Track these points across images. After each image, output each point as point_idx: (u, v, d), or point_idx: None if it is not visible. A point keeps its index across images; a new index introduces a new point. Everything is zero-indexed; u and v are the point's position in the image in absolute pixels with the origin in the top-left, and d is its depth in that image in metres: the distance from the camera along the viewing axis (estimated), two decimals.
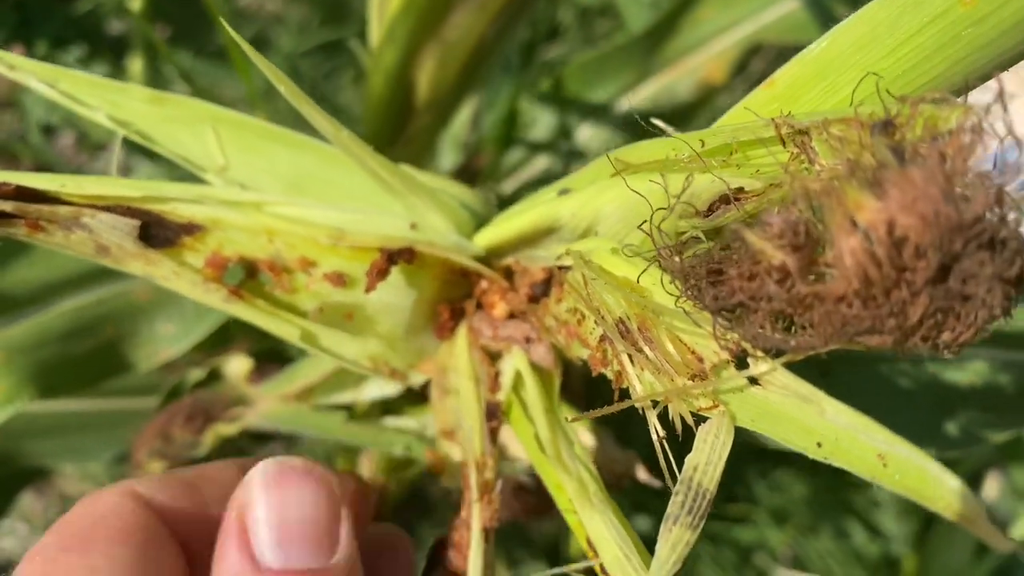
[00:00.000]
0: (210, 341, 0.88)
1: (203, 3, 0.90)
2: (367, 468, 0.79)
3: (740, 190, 0.33)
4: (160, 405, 0.77)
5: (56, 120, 1.75)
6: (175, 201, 0.46)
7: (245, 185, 0.51)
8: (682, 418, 0.34)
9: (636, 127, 0.39)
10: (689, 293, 0.31)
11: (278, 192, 0.51)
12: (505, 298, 0.50)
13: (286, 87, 0.42)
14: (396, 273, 0.49)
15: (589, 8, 1.84)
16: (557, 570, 0.39)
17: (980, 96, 0.28)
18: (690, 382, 0.33)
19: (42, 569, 0.37)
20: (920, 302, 0.24)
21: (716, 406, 0.33)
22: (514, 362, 0.49)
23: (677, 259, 0.30)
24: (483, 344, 0.51)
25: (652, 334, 0.35)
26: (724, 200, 0.33)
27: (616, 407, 0.35)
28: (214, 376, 0.77)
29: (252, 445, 1.63)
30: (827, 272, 0.25)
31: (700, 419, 0.33)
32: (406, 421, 0.70)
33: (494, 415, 0.48)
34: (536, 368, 0.48)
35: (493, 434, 0.47)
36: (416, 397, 0.71)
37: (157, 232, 0.46)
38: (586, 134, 1.21)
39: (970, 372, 0.68)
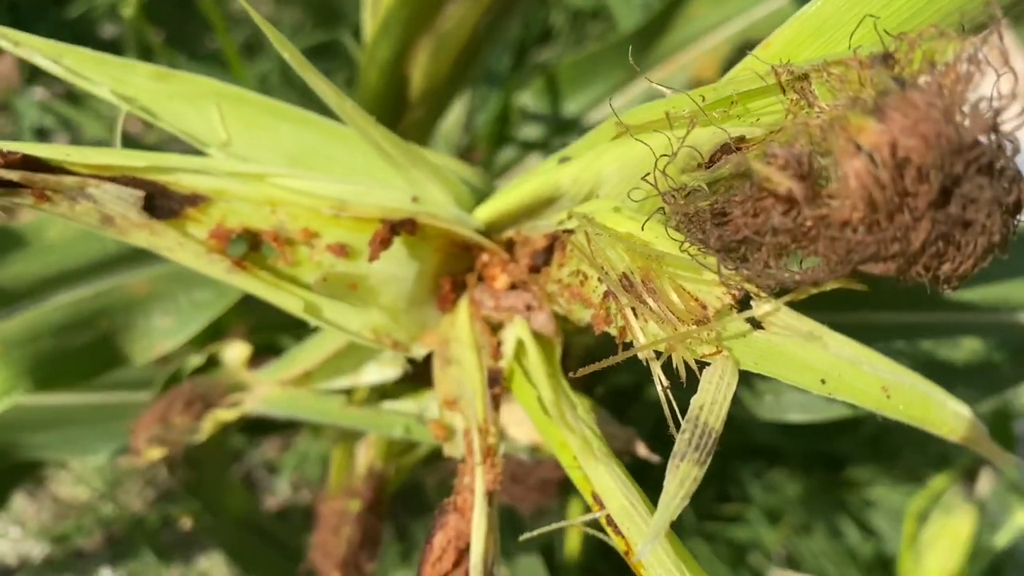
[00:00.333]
0: (205, 338, 0.89)
1: (196, 7, 0.91)
2: (365, 455, 0.79)
3: (741, 139, 0.33)
4: (159, 392, 0.77)
5: (49, 123, 1.75)
6: (179, 172, 0.46)
7: (247, 160, 0.51)
8: (687, 366, 0.34)
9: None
10: (694, 235, 0.31)
11: (281, 166, 0.51)
12: (506, 269, 0.51)
13: (292, 56, 0.42)
14: (398, 245, 0.50)
15: (581, 11, 1.86)
16: (566, 523, 0.40)
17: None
18: (693, 328, 0.33)
19: None
20: (922, 226, 0.25)
21: (719, 351, 0.33)
22: (515, 331, 0.49)
23: (682, 201, 0.31)
24: (485, 315, 0.51)
25: (656, 285, 0.35)
26: (725, 150, 0.34)
27: (620, 356, 0.35)
28: (212, 363, 0.77)
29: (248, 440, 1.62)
30: (830, 204, 0.26)
31: (703, 366, 0.34)
32: (404, 404, 0.70)
33: (496, 382, 0.48)
34: (537, 336, 0.49)
35: (496, 400, 0.48)
36: (413, 382, 0.72)
37: (161, 203, 0.46)
38: (578, 133, 1.22)
39: (965, 351, 0.69)
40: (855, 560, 1.74)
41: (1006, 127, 0.25)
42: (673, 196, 0.31)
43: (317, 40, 1.71)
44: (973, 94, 0.25)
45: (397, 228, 0.48)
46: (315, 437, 1.67)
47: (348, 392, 0.72)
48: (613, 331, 0.40)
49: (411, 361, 0.64)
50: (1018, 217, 0.26)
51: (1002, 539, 1.66)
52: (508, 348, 0.50)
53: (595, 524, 0.41)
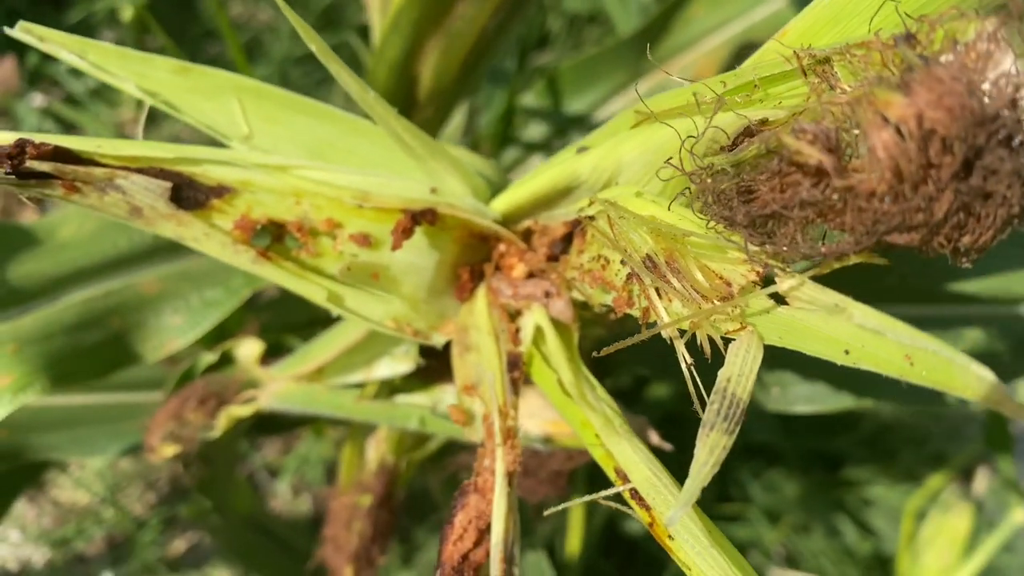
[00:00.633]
0: (214, 338, 0.89)
1: (195, 12, 0.92)
2: (376, 449, 0.80)
3: (764, 121, 0.34)
4: (172, 389, 0.78)
5: (49, 128, 1.75)
6: (206, 163, 0.47)
7: (269, 152, 0.52)
8: (711, 343, 0.35)
9: None
10: (719, 214, 0.32)
11: (301, 159, 0.52)
12: (523, 259, 0.52)
13: (317, 46, 0.43)
14: (419, 235, 0.51)
15: (578, 15, 1.87)
16: (588, 497, 0.41)
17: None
18: (718, 305, 0.35)
19: None
20: (946, 197, 0.26)
21: (744, 327, 0.34)
22: (534, 317, 0.50)
23: (709, 180, 0.32)
24: (503, 303, 0.52)
25: (680, 264, 0.36)
26: (748, 133, 0.35)
27: (645, 334, 0.36)
28: (225, 360, 0.78)
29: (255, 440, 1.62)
30: (858, 176, 0.27)
31: (728, 341, 0.35)
32: (417, 398, 0.71)
33: (516, 366, 0.49)
34: (555, 322, 0.50)
35: (515, 384, 0.49)
36: (424, 377, 0.73)
37: (188, 194, 0.47)
38: (579, 134, 1.23)
39: (967, 342, 0.70)
40: (853, 559, 1.76)
41: None
42: (701, 175, 0.32)
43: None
44: (994, 71, 0.26)
45: (418, 218, 0.49)
46: (316, 440, 1.67)
47: (360, 387, 0.73)
48: (636, 313, 0.41)
49: (424, 354, 0.65)
50: None
51: (999, 536, 1.67)
52: (526, 334, 0.51)
53: (617, 505, 0.42)
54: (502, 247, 0.54)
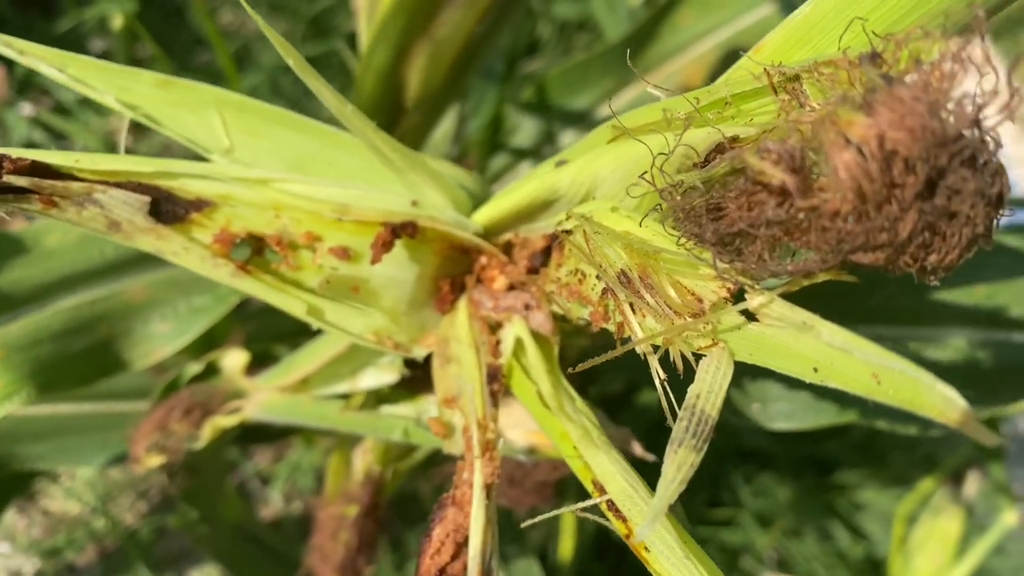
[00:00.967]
0: (201, 346, 0.89)
1: (184, 21, 0.92)
2: (363, 459, 0.80)
3: (735, 139, 0.34)
4: (157, 399, 0.78)
5: (38, 137, 1.75)
6: (185, 177, 0.47)
7: (250, 166, 0.52)
8: (683, 358, 0.35)
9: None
10: (690, 230, 0.32)
11: (282, 172, 0.53)
12: (504, 271, 0.52)
13: (295, 61, 0.43)
14: (399, 248, 0.51)
15: (567, 21, 1.87)
16: (564, 509, 0.41)
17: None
18: (690, 321, 0.35)
19: None
20: (910, 217, 0.26)
21: (715, 344, 0.34)
22: (514, 330, 0.50)
23: (679, 197, 0.32)
24: (483, 315, 0.52)
25: (653, 280, 0.36)
26: (720, 150, 0.35)
27: (620, 350, 0.36)
28: (211, 370, 0.78)
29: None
30: (822, 196, 0.27)
31: (700, 358, 0.35)
32: (402, 409, 0.71)
33: (495, 378, 0.49)
34: (536, 335, 0.50)
35: (494, 397, 0.49)
36: (409, 387, 0.73)
37: (167, 208, 0.47)
38: (568, 139, 1.24)
39: (950, 350, 0.70)
40: (845, 562, 1.76)
41: (988, 123, 0.27)
42: (671, 192, 0.33)
43: (309, 52, 1.72)
44: (957, 91, 0.27)
45: (398, 231, 0.49)
46: (307, 448, 1.67)
47: (345, 398, 0.73)
48: (611, 327, 0.41)
49: (408, 365, 0.65)
50: (1001, 209, 0.28)
51: (990, 539, 1.67)
52: (507, 346, 0.51)
53: (596, 517, 0.42)
54: (483, 259, 0.54)
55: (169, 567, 1.71)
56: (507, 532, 1.29)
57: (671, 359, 0.36)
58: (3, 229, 0.88)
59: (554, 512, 0.43)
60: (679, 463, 0.31)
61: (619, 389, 1.54)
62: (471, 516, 0.45)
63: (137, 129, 0.51)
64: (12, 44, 0.49)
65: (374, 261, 0.48)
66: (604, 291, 0.41)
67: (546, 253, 0.49)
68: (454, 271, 0.55)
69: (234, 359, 0.77)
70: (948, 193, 0.26)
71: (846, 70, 0.29)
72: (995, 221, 0.28)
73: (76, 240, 0.87)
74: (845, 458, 1.84)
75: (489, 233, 0.53)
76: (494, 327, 0.53)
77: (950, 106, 0.26)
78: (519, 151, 1.25)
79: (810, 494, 1.79)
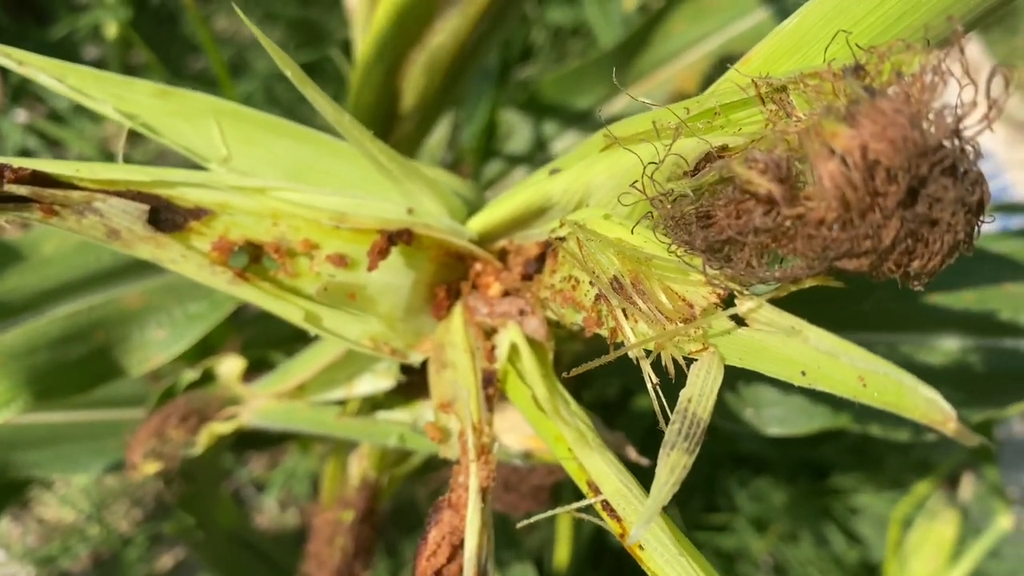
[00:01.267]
0: (198, 352, 0.90)
1: (178, 28, 0.92)
2: (358, 465, 0.80)
3: (724, 148, 0.35)
4: (154, 406, 0.78)
5: (33, 144, 1.75)
6: (183, 186, 0.48)
7: (247, 174, 0.53)
8: (675, 363, 0.36)
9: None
10: (680, 238, 0.33)
11: (279, 180, 0.53)
12: (499, 278, 0.53)
13: (292, 72, 0.44)
14: (395, 255, 0.51)
15: (561, 27, 1.88)
16: (560, 510, 0.41)
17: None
18: (681, 326, 0.35)
19: None
20: (892, 224, 0.27)
21: (706, 348, 0.35)
22: (509, 335, 0.51)
23: (669, 205, 0.33)
24: (479, 321, 0.53)
25: (645, 286, 0.37)
26: (709, 159, 0.36)
27: (612, 355, 0.37)
28: (207, 377, 0.78)
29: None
30: (807, 204, 0.28)
31: (691, 363, 0.36)
32: (398, 414, 0.72)
33: (490, 382, 0.50)
34: (530, 340, 0.51)
35: (490, 401, 0.50)
36: (405, 393, 0.73)
37: (166, 216, 0.48)
38: (562, 146, 1.25)
39: (940, 354, 0.71)
40: (841, 567, 1.76)
41: (969, 132, 0.28)
42: (661, 200, 0.33)
43: (303, 59, 1.73)
44: (938, 102, 0.27)
45: (394, 238, 0.50)
46: (303, 454, 1.67)
47: (341, 403, 0.73)
48: (604, 332, 0.41)
49: (404, 371, 0.66)
50: (982, 216, 0.29)
51: (985, 543, 1.68)
52: (502, 351, 0.52)
53: (591, 518, 0.43)
54: (478, 266, 0.54)
55: (163, 575, 1.71)
56: (503, 537, 1.29)
57: (663, 363, 0.37)
58: (0, 237, 0.89)
59: (550, 512, 0.43)
60: (672, 465, 0.32)
61: (614, 393, 1.55)
62: (467, 519, 0.46)
63: (132, 136, 0.51)
64: (11, 55, 0.50)
65: (371, 268, 0.48)
66: (597, 297, 0.42)
67: (540, 260, 0.50)
68: (450, 277, 0.55)
69: (230, 366, 0.77)
70: (929, 201, 0.27)
71: (831, 82, 0.30)
72: (976, 228, 0.29)
73: (73, 247, 0.88)
74: (840, 462, 1.84)
75: (484, 240, 0.54)
76: (489, 332, 0.53)
77: (931, 117, 0.27)
78: (513, 157, 1.26)
79: (805, 498, 1.80)
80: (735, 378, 0.78)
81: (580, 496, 0.44)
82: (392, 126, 0.91)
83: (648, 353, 0.37)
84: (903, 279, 0.30)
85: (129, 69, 1.63)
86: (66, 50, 1.84)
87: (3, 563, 1.69)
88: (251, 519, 1.77)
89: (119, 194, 0.47)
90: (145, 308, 0.88)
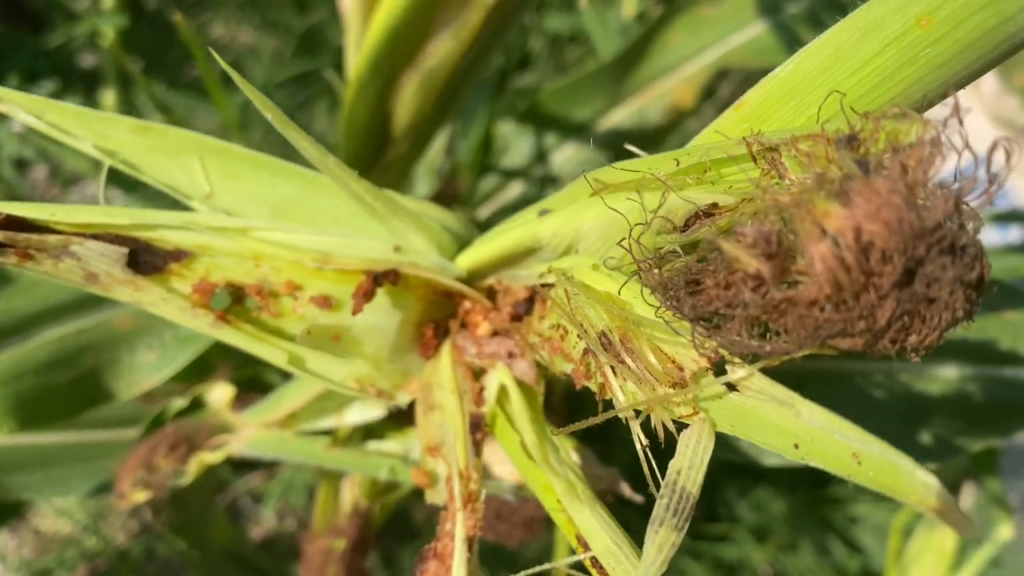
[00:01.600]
0: (190, 371, 0.89)
1: (175, 36, 0.91)
2: (350, 492, 0.79)
3: (714, 205, 0.34)
4: (143, 435, 0.77)
5: (29, 153, 1.74)
6: (163, 228, 0.47)
7: (230, 212, 0.52)
8: (664, 426, 0.35)
9: (610, 150, 0.41)
10: (669, 303, 0.32)
11: (263, 218, 0.52)
12: (488, 317, 0.52)
13: (273, 114, 0.43)
14: (381, 295, 0.50)
15: (559, 35, 1.87)
16: (547, 565, 0.40)
17: (940, 111, 0.30)
18: (671, 391, 0.34)
19: None
20: (888, 305, 0.26)
21: (696, 413, 0.34)
22: (498, 377, 0.50)
23: (656, 271, 0.32)
24: (467, 361, 0.52)
25: (633, 345, 0.36)
26: (699, 215, 0.35)
27: (601, 417, 0.36)
28: (196, 404, 0.77)
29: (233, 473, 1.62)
30: (799, 279, 0.27)
31: (682, 426, 0.35)
32: (389, 445, 0.71)
33: (478, 427, 0.49)
34: (520, 382, 0.49)
35: (477, 446, 0.48)
36: (398, 420, 0.72)
37: (145, 259, 0.47)
38: (559, 159, 1.23)
39: (940, 383, 0.70)
40: None
41: (968, 208, 0.26)
42: (648, 265, 0.32)
43: (300, 69, 1.72)
44: (936, 176, 0.26)
45: (380, 279, 0.48)
46: (300, 466, 1.67)
47: (332, 431, 0.72)
48: (593, 387, 0.40)
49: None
50: (981, 291, 0.27)
51: (986, 552, 1.67)
52: (490, 393, 0.51)
53: (580, 566, 0.42)
54: (467, 304, 0.53)
55: None
56: (499, 556, 1.28)
57: (652, 426, 0.35)
58: None
59: (539, 568, 0.42)
60: (660, 543, 0.30)
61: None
62: (452, 570, 0.45)
63: None
64: None
65: (355, 312, 0.47)
66: (585, 350, 0.41)
67: (529, 302, 0.49)
68: (438, 316, 0.54)
69: (219, 393, 0.76)
70: (927, 280, 0.26)
71: (824, 146, 0.29)
72: (976, 303, 0.28)
73: None
74: None
75: (473, 277, 0.53)
76: (478, 373, 0.52)
77: (928, 193, 0.26)
78: (510, 171, 1.25)
79: (805, 508, 1.79)
80: None
81: None
82: (386, 145, 0.90)
83: (638, 412, 0.36)
84: (899, 353, 0.28)
85: (125, 76, 1.61)
86: (62, 58, 1.83)
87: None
88: (248, 530, 1.76)
89: (97, 237, 0.46)
90: (135, 330, 0.87)
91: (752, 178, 0.33)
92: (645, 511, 0.47)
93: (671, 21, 1.14)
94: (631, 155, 0.40)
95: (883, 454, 0.28)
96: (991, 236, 1.89)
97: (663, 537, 0.31)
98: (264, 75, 1.77)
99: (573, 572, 0.42)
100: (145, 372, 0.87)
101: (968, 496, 1.83)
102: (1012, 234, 1.88)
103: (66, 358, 0.83)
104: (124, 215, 0.46)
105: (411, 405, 0.62)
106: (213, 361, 1.08)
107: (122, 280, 0.46)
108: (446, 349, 0.53)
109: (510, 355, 0.50)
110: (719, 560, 1.74)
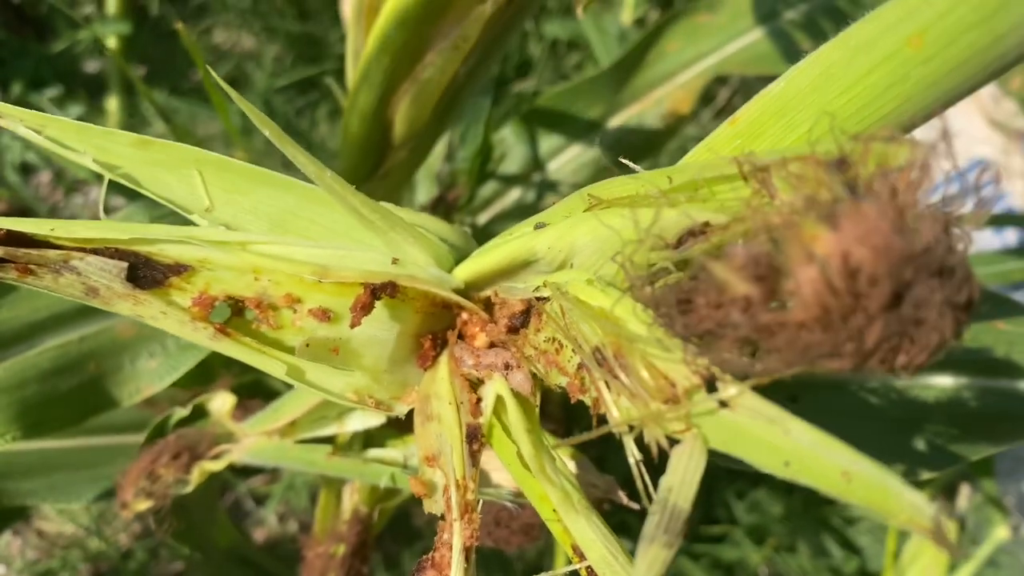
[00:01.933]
0: (193, 376, 0.89)
1: (178, 41, 0.91)
2: (350, 498, 0.80)
3: (706, 224, 0.34)
4: (145, 444, 0.77)
5: (33, 158, 1.75)
6: (162, 242, 0.47)
7: (230, 225, 0.52)
8: (657, 441, 0.35)
9: (610, 154, 0.41)
10: (661, 321, 0.32)
11: (262, 231, 0.52)
12: (485, 329, 0.52)
13: (270, 130, 0.43)
14: (379, 308, 0.50)
15: (558, 40, 1.87)
16: (546, 575, 0.41)
17: (933, 129, 0.30)
18: (664, 407, 0.35)
19: None
20: (876, 327, 0.26)
21: (689, 429, 0.34)
22: (495, 387, 0.50)
23: (648, 289, 0.32)
24: (465, 372, 0.52)
25: (627, 361, 0.36)
26: (692, 233, 0.35)
27: (594, 433, 0.36)
28: (198, 413, 0.78)
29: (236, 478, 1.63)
30: (789, 301, 0.27)
31: (675, 442, 0.35)
32: (389, 452, 0.71)
33: (475, 437, 0.49)
34: (516, 393, 0.50)
35: (474, 456, 0.49)
36: (398, 428, 0.73)
37: (145, 273, 0.47)
38: (558, 165, 1.24)
39: (935, 392, 0.70)
40: None
41: (957, 231, 0.27)
42: (640, 282, 0.32)
43: (302, 75, 1.72)
44: (924, 200, 0.27)
45: (378, 292, 0.49)
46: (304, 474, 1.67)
47: (333, 438, 0.73)
48: (587, 401, 0.41)
49: None
50: (971, 313, 0.28)
51: (983, 553, 1.68)
52: (487, 404, 0.51)
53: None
54: (465, 315, 0.54)
55: None
56: (498, 562, 1.29)
57: (646, 442, 0.36)
58: None
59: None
60: (651, 561, 0.31)
61: None
62: None
63: None
64: None
65: (353, 325, 0.48)
66: (580, 365, 0.41)
67: (525, 315, 0.49)
68: (436, 327, 0.54)
69: (221, 402, 0.77)
70: (915, 303, 0.26)
71: (813, 168, 0.29)
72: (965, 325, 0.28)
73: None
74: None
75: (470, 288, 0.53)
76: (475, 384, 0.52)
77: (917, 217, 0.26)
78: (509, 177, 1.25)
79: (803, 509, 1.80)
80: None
81: None
82: (386, 153, 0.91)
83: (631, 428, 0.37)
84: (888, 372, 0.29)
85: (128, 82, 1.62)
86: (66, 63, 1.84)
87: None
88: (250, 532, 1.77)
89: (97, 252, 0.46)
90: (137, 338, 0.87)
91: (743, 197, 0.34)
92: (644, 514, 0.48)
93: (668, 28, 1.14)
94: (628, 164, 0.41)
95: (872, 473, 0.28)
96: (987, 239, 1.89)
97: (654, 554, 0.31)
98: (266, 81, 1.78)
99: None
100: (148, 379, 0.87)
101: (964, 497, 1.83)
102: (1009, 237, 1.89)
103: (69, 365, 0.84)
104: (124, 230, 0.46)
105: (411, 413, 0.63)
106: (216, 366, 1.09)
107: (122, 294, 0.47)
108: (444, 360, 0.53)
109: (507, 367, 0.50)
110: (717, 561, 1.74)
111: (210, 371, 1.09)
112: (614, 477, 0.63)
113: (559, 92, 1.19)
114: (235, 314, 0.50)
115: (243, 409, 0.81)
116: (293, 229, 0.53)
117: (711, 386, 0.34)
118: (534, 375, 0.50)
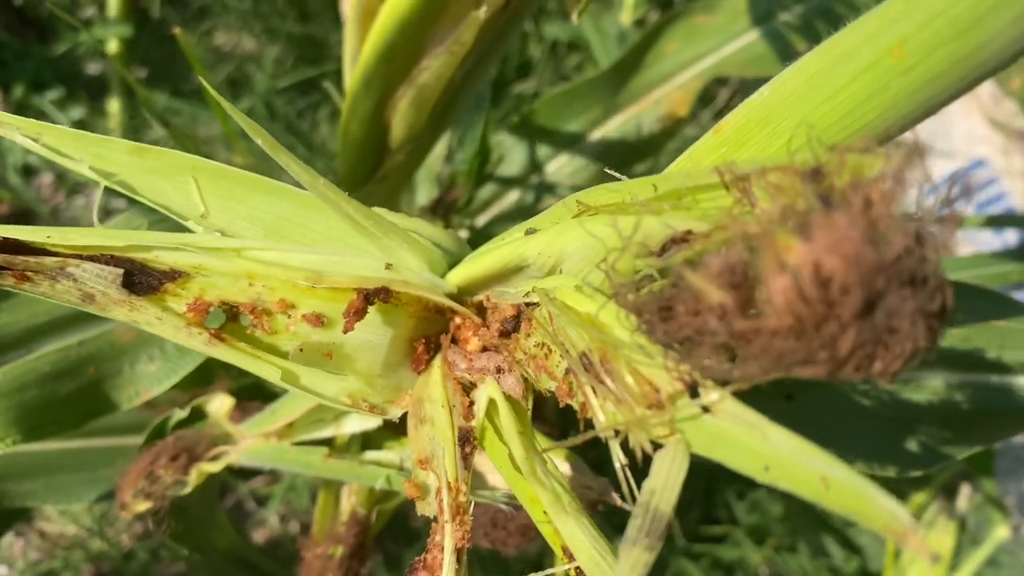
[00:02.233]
0: (192, 379, 0.90)
1: (179, 44, 0.92)
2: (349, 500, 0.80)
3: (689, 232, 0.35)
4: (143, 445, 0.78)
5: (35, 160, 1.76)
6: (158, 249, 0.48)
7: (225, 231, 0.53)
8: (642, 446, 0.36)
9: (606, 159, 0.42)
10: (643, 327, 0.33)
11: (257, 237, 0.53)
12: (478, 333, 0.53)
13: (264, 140, 0.44)
14: (373, 312, 0.51)
15: (558, 42, 1.88)
16: (539, 575, 0.41)
17: (925, 133, 0.31)
18: (648, 412, 0.35)
19: None
20: (848, 336, 0.27)
21: (672, 434, 0.35)
22: (487, 391, 0.51)
23: (631, 296, 0.33)
24: (457, 376, 0.53)
25: (613, 367, 0.37)
26: (675, 241, 0.36)
27: (581, 438, 0.37)
28: (197, 415, 0.78)
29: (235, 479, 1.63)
30: (762, 311, 0.28)
31: (659, 446, 0.36)
32: (386, 454, 0.72)
33: (467, 440, 0.50)
34: (508, 397, 0.50)
35: (467, 459, 0.49)
36: (396, 430, 0.73)
37: (141, 279, 0.48)
38: (556, 167, 1.24)
39: (927, 390, 0.71)
40: None
41: (930, 241, 0.27)
42: (623, 290, 0.33)
43: (302, 77, 1.73)
44: (896, 211, 0.27)
45: (371, 297, 0.49)
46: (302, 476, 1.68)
47: (330, 440, 0.73)
48: (575, 405, 0.41)
49: None
50: (944, 321, 0.28)
51: (983, 552, 1.68)
52: (480, 407, 0.52)
53: None
54: (458, 320, 0.54)
55: None
56: (495, 562, 1.29)
57: (631, 445, 0.36)
58: None
59: None
60: (633, 563, 0.31)
61: None
62: None
63: None
64: None
65: (346, 331, 0.48)
66: (567, 370, 0.42)
67: (516, 319, 0.50)
68: (429, 331, 0.55)
69: (219, 404, 0.77)
70: (888, 312, 0.27)
71: (790, 178, 0.30)
72: (939, 334, 0.28)
73: None
74: None
75: (463, 293, 0.54)
76: (468, 388, 0.53)
77: (889, 227, 0.27)
78: (507, 179, 1.26)
79: (803, 509, 1.80)
80: None
81: None
82: (384, 156, 0.91)
83: (617, 432, 0.37)
84: (864, 379, 0.29)
85: (129, 84, 1.63)
86: (67, 65, 1.85)
87: None
88: (252, 533, 1.78)
89: (93, 259, 0.47)
90: (137, 341, 0.88)
91: (724, 206, 0.34)
92: None
93: (667, 29, 1.14)
94: (625, 168, 0.41)
95: (849, 479, 0.29)
96: (987, 240, 1.89)
97: (636, 556, 0.31)
98: (267, 82, 1.79)
99: None
100: (147, 382, 0.88)
101: (964, 497, 1.84)
102: (1009, 237, 1.89)
103: (68, 369, 0.84)
104: (119, 237, 0.47)
105: (406, 416, 0.64)
106: (215, 369, 1.09)
107: (118, 300, 0.47)
108: (437, 364, 0.54)
109: (499, 370, 0.51)
110: (717, 561, 1.75)
111: (209, 373, 1.10)
112: (611, 479, 0.63)
113: (559, 93, 1.20)
114: (230, 319, 0.50)
115: (242, 411, 0.81)
116: (288, 235, 0.54)
117: (694, 392, 0.35)
118: (525, 379, 0.50)
